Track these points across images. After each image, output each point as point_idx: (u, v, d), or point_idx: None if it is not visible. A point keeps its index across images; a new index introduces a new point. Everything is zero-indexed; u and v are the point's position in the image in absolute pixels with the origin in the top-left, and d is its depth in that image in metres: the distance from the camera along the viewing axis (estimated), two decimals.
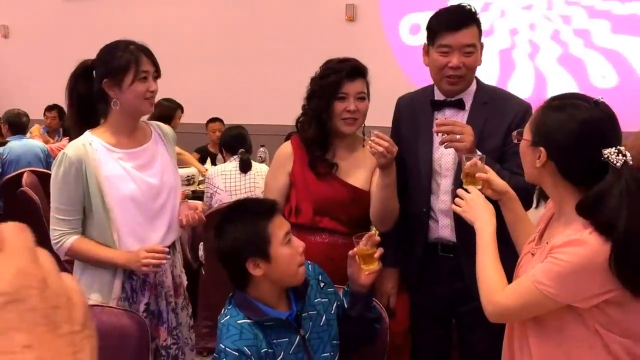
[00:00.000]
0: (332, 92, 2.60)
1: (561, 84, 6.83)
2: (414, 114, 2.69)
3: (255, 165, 4.73)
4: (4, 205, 5.58)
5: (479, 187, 2.11)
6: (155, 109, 2.66)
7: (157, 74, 2.52)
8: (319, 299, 2.22)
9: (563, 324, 1.77)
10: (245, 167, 4.60)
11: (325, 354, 2.16)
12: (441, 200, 2.58)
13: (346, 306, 2.28)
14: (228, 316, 2.04)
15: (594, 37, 6.80)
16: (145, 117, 2.70)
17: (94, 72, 2.50)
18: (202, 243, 4.46)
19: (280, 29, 7.83)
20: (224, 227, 2.09)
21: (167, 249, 2.47)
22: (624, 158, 1.70)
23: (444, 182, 2.58)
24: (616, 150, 1.70)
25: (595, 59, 6.81)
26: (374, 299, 2.38)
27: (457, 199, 2.11)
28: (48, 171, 3.84)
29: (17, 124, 6.27)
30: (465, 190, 2.11)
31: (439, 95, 2.62)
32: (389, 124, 2.80)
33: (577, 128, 1.73)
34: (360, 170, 2.68)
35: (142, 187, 2.49)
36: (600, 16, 6.75)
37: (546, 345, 1.81)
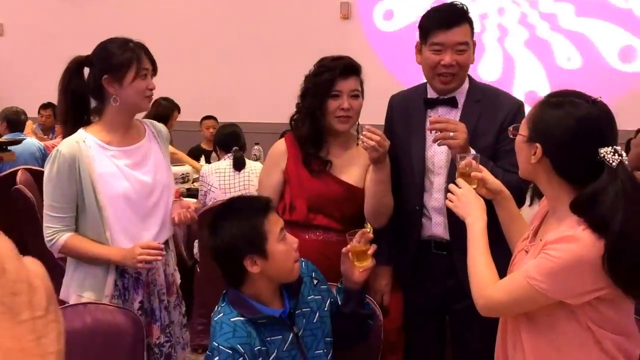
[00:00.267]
0: (325, 90, 2.60)
1: (528, 67, 7.10)
2: (407, 112, 2.69)
3: (249, 163, 4.73)
4: None
5: (474, 186, 2.11)
6: (152, 107, 2.66)
7: (154, 71, 2.53)
8: (313, 296, 2.22)
9: (555, 321, 1.78)
10: (239, 165, 4.60)
11: (319, 351, 2.16)
12: (434, 198, 2.59)
13: (340, 303, 2.29)
14: (221, 314, 2.05)
15: (560, 20, 7.01)
16: (140, 115, 2.70)
17: (86, 68, 2.50)
18: (197, 241, 4.47)
19: (275, 27, 7.83)
20: (219, 225, 2.09)
21: (162, 246, 2.47)
22: (620, 158, 1.70)
23: (437, 180, 2.58)
24: (612, 150, 1.70)
25: (561, 41, 7.06)
26: (367, 295, 2.39)
27: (449, 194, 2.12)
28: (42, 169, 3.86)
29: (15, 122, 6.26)
30: (457, 185, 2.11)
31: (431, 94, 2.62)
32: (383, 122, 2.80)
33: (574, 125, 1.73)
34: (354, 168, 2.69)
35: (135, 185, 2.49)
36: (566, 0, 6.99)
37: (539, 341, 1.82)
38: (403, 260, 2.70)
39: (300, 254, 2.25)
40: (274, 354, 2.04)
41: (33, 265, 0.71)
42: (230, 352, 1.94)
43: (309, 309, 2.19)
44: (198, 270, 4.36)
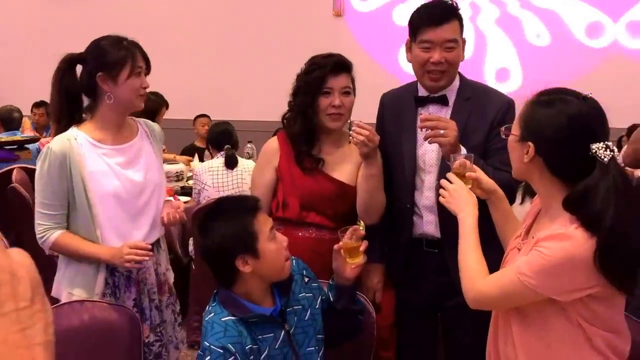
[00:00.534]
0: (316, 88, 2.61)
1: (499, 44, 7.27)
2: (398, 110, 2.69)
3: (242, 161, 4.73)
4: None
5: (469, 186, 2.11)
6: None
7: (148, 70, 2.53)
8: (304, 294, 2.23)
9: (546, 317, 1.78)
10: (231, 163, 4.60)
11: (310, 348, 2.17)
12: (425, 196, 2.59)
13: (331, 300, 2.30)
14: (212, 314, 2.05)
15: None
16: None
17: (79, 66, 2.50)
18: (192, 238, 4.48)
19: (268, 25, 7.83)
20: (208, 226, 2.09)
21: (149, 246, 2.47)
22: (612, 153, 1.71)
23: (428, 179, 2.58)
24: (604, 146, 1.70)
25: (531, 19, 7.24)
26: (358, 292, 2.39)
27: (441, 190, 2.12)
28: None
29: (10, 120, 6.25)
30: (449, 180, 2.12)
31: (422, 92, 2.63)
32: (375, 120, 2.82)
33: (566, 123, 1.74)
34: (347, 165, 2.69)
35: (126, 184, 2.49)
36: None
37: (530, 337, 1.83)
38: (395, 258, 2.71)
39: (293, 252, 2.26)
40: (266, 352, 2.05)
41: (19, 256, 0.70)
42: (222, 351, 1.94)
43: (300, 307, 2.20)
44: (193, 267, 4.38)
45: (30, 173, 5.00)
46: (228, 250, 2.04)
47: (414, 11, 2.58)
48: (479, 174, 2.12)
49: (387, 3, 7.59)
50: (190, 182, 5.13)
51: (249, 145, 5.79)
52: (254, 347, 2.02)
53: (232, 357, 1.95)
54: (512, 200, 2.28)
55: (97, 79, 2.44)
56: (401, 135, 2.64)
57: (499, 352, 1.94)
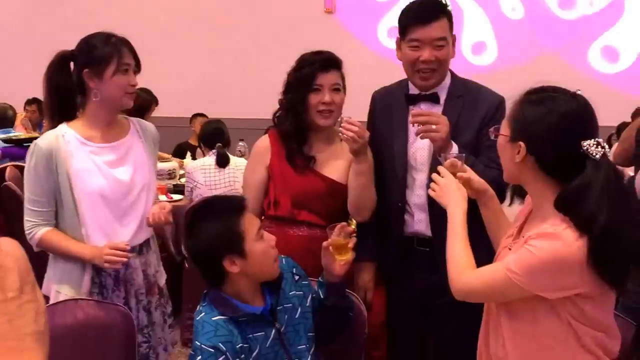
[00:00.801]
0: (306, 85, 2.60)
1: (475, 19, 7.33)
2: (389, 108, 2.69)
3: (234, 159, 4.73)
4: None
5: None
6: None
7: (138, 68, 2.51)
8: (294, 292, 2.23)
9: (537, 316, 1.79)
10: (222, 162, 4.60)
11: (301, 346, 2.17)
12: (416, 194, 2.59)
13: (322, 297, 2.30)
14: (203, 313, 2.05)
15: None
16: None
17: (72, 62, 2.49)
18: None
19: (259, 22, 7.82)
20: (195, 227, 2.09)
21: (129, 247, 2.43)
22: (603, 150, 1.70)
23: (419, 177, 2.58)
24: (595, 142, 1.70)
25: None
26: (347, 289, 2.40)
27: (432, 184, 2.11)
28: None
29: (3, 118, 6.24)
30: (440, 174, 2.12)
31: (413, 90, 2.62)
32: (366, 118, 2.81)
33: (556, 121, 1.73)
34: (338, 163, 2.69)
35: (112, 182, 2.47)
36: None
37: (520, 336, 1.83)
38: (386, 256, 2.70)
39: (285, 250, 2.26)
40: (257, 350, 2.05)
41: (8, 245, 0.69)
42: (213, 350, 1.95)
43: (290, 305, 2.20)
44: (187, 265, 4.37)
45: (23, 170, 4.99)
46: (215, 251, 2.04)
47: (403, 9, 2.57)
48: (470, 174, 2.11)
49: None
50: (183, 180, 5.12)
51: (240, 143, 5.78)
52: (245, 346, 2.02)
53: (223, 357, 1.95)
54: (502, 198, 2.28)
55: (84, 75, 2.44)
56: (392, 134, 2.64)
57: (490, 350, 1.94)
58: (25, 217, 2.46)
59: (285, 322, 2.16)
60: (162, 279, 2.72)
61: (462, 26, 7.30)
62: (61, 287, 2.48)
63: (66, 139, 2.44)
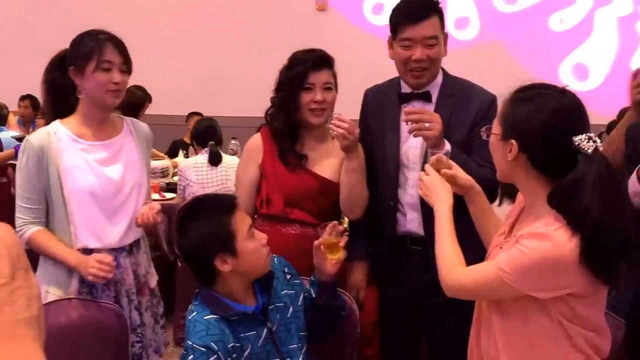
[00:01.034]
0: (298, 83, 2.60)
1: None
2: (381, 106, 2.69)
3: (226, 157, 4.72)
4: None
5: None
6: (125, 94, 2.58)
7: (126, 66, 2.48)
8: (286, 291, 2.23)
9: (528, 315, 1.78)
10: (214, 160, 4.59)
11: (293, 346, 2.17)
12: (409, 194, 2.59)
13: (313, 296, 2.30)
14: (195, 312, 2.05)
15: None
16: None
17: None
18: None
19: (251, 20, 7.79)
20: (186, 226, 2.09)
21: (114, 263, 2.41)
22: (595, 144, 1.70)
23: (412, 176, 2.57)
24: (587, 137, 1.70)
25: None
26: (339, 289, 2.40)
27: (419, 182, 2.12)
28: None
29: None
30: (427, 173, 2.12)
31: (405, 88, 2.62)
32: (359, 116, 2.81)
33: (547, 117, 1.73)
34: (330, 161, 2.68)
35: (102, 181, 2.45)
36: None
37: (512, 335, 1.83)
38: (378, 255, 2.70)
39: (278, 248, 2.26)
40: (249, 350, 2.05)
41: (0, 232, 0.68)
42: (204, 350, 1.94)
43: (282, 304, 2.20)
44: (179, 264, 4.37)
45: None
46: (206, 250, 2.04)
47: (394, 8, 2.56)
48: (456, 170, 2.11)
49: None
50: (176, 178, 5.11)
51: (233, 141, 5.77)
52: (237, 345, 2.02)
53: (215, 356, 1.95)
54: (494, 198, 2.28)
55: (70, 72, 2.44)
56: (384, 132, 2.64)
57: (481, 349, 1.94)
58: (17, 215, 2.45)
59: (277, 321, 2.16)
60: (153, 281, 2.71)
61: (446, 5, 7.45)
62: (50, 287, 2.46)
63: (58, 136, 2.43)
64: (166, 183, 5.31)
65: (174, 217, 3.95)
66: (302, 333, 2.22)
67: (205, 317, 2.02)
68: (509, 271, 1.72)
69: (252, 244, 2.08)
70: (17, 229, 2.43)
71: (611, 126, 5.39)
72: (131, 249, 2.56)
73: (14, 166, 5.05)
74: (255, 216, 2.72)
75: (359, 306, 2.57)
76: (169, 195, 4.98)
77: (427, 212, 2.43)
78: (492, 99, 2.54)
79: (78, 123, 2.49)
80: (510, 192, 1.97)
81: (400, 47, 2.51)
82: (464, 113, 2.53)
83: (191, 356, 1.95)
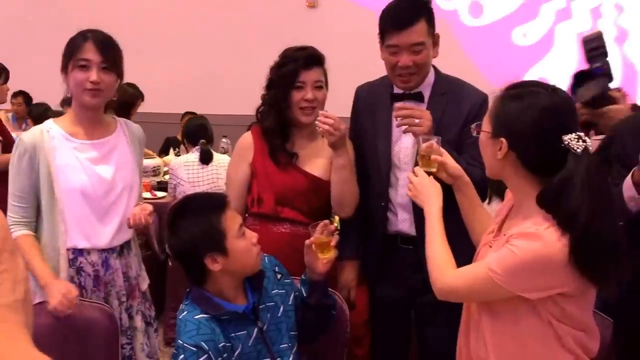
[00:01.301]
0: (289, 82, 2.59)
1: None
2: (373, 105, 2.68)
3: (217, 156, 4.71)
4: None
5: (435, 169, 2.11)
6: (118, 92, 2.57)
7: (110, 66, 2.43)
8: (276, 291, 2.23)
9: (517, 315, 1.78)
10: (206, 158, 4.58)
11: (284, 345, 2.17)
12: (400, 194, 2.58)
13: (304, 295, 2.30)
14: (185, 312, 2.05)
15: None
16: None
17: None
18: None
19: (241, 17, 7.77)
20: (176, 225, 2.08)
21: (76, 301, 2.32)
22: (585, 144, 1.70)
23: (403, 176, 2.56)
24: (576, 136, 1.70)
25: None
26: (330, 288, 2.40)
27: (408, 184, 2.12)
28: None
29: None
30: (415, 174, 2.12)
31: (397, 89, 2.61)
32: (350, 113, 2.80)
33: (537, 116, 1.72)
34: (320, 160, 2.68)
35: (93, 180, 2.44)
36: None
37: (501, 335, 1.83)
38: (369, 254, 2.70)
39: (269, 247, 2.26)
40: (239, 349, 2.04)
41: None
42: (195, 349, 1.94)
43: (273, 304, 2.20)
44: (170, 264, 4.35)
45: None
46: (196, 248, 2.03)
47: (382, 12, 2.53)
48: (446, 157, 2.11)
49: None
50: (167, 177, 5.09)
51: (223, 139, 5.76)
52: (228, 344, 2.02)
53: (206, 355, 1.95)
54: (484, 197, 2.27)
55: (60, 71, 2.46)
56: (376, 132, 2.63)
57: (470, 348, 1.94)
58: (8, 213, 2.43)
59: (267, 320, 2.16)
60: (144, 284, 2.68)
61: None
62: (38, 287, 2.42)
63: (51, 135, 2.43)
64: (157, 182, 5.29)
65: (164, 216, 3.92)
66: (293, 333, 2.22)
67: (196, 317, 2.01)
68: (499, 272, 1.72)
69: (243, 243, 2.07)
70: None
71: None
72: (122, 250, 2.54)
73: None
74: (246, 215, 2.70)
75: (350, 305, 2.57)
76: (160, 194, 4.96)
77: (418, 212, 2.42)
78: (484, 98, 2.52)
79: (71, 122, 2.49)
80: (499, 190, 1.96)
81: (387, 53, 2.50)
82: (456, 112, 2.53)
83: (182, 355, 1.95)
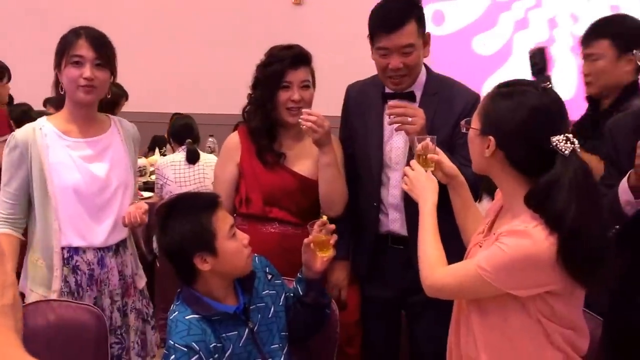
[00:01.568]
0: (275, 82, 2.58)
1: None
2: (364, 105, 2.67)
3: (203, 155, 4.69)
4: None
5: (431, 169, 2.10)
6: None
7: (104, 62, 2.44)
8: (267, 291, 2.22)
9: (507, 313, 1.79)
10: (192, 158, 4.56)
11: (274, 346, 2.17)
12: (391, 194, 2.58)
13: (300, 293, 2.30)
14: (176, 312, 2.04)
15: None
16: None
17: None
18: (155, 235, 4.43)
19: (227, 14, 7.73)
20: (167, 224, 2.07)
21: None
22: (572, 146, 1.70)
23: (394, 176, 2.56)
24: (564, 138, 1.70)
25: None
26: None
27: (404, 177, 2.12)
28: None
29: None
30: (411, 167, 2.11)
31: (389, 88, 2.59)
32: (339, 113, 2.79)
33: (526, 115, 1.73)
34: (308, 159, 2.67)
35: (86, 178, 2.43)
36: None
37: (490, 332, 1.83)
38: (360, 254, 2.70)
39: (258, 247, 2.25)
40: (230, 350, 2.04)
41: None
42: (186, 349, 1.94)
43: (263, 304, 2.19)
44: (158, 264, 4.33)
45: None
46: (186, 248, 2.02)
47: (371, 12, 2.51)
48: (442, 156, 2.10)
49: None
50: (153, 177, 5.07)
51: (210, 139, 5.74)
52: (218, 345, 2.02)
53: (196, 356, 1.95)
54: (475, 197, 2.27)
55: (54, 69, 2.45)
56: (367, 132, 2.62)
57: (460, 346, 1.94)
58: None
59: (258, 321, 2.15)
60: (142, 282, 2.67)
61: None
62: (34, 286, 2.45)
63: (44, 132, 2.42)
64: (143, 182, 5.27)
65: (152, 216, 3.91)
66: (284, 333, 2.22)
67: (186, 317, 2.01)
68: (488, 269, 1.72)
69: (233, 245, 2.06)
70: None
71: None
72: (117, 248, 2.53)
73: None
74: (234, 215, 2.69)
75: (342, 305, 2.57)
76: (146, 194, 4.93)
77: (409, 212, 2.43)
78: (476, 98, 2.52)
79: (64, 120, 2.48)
80: (489, 188, 1.96)
81: (377, 55, 2.48)
82: (448, 112, 2.52)
83: (173, 356, 1.95)
